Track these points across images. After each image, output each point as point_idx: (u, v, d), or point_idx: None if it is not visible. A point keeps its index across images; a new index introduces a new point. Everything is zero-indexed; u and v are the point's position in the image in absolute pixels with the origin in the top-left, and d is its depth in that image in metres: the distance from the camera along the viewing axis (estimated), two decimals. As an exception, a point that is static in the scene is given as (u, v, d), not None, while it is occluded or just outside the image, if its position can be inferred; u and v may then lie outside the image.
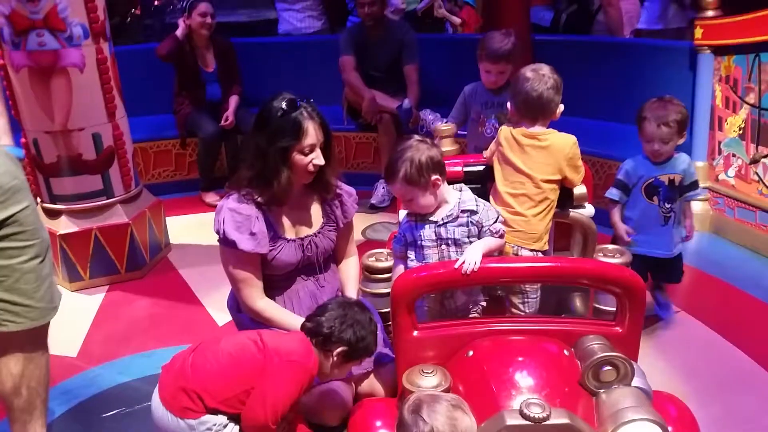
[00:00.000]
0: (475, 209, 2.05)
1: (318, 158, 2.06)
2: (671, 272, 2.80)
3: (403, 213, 2.09)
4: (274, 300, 2.16)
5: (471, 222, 2.04)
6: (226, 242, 2.03)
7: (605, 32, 4.93)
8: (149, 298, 3.36)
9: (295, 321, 2.13)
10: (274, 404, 1.78)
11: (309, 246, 2.17)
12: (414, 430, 1.51)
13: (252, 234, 2.03)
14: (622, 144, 4.05)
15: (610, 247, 2.40)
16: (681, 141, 2.65)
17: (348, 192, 2.27)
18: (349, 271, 2.36)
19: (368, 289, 2.61)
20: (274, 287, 2.17)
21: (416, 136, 2.03)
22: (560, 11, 5.15)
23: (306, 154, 2.04)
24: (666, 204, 2.64)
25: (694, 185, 2.71)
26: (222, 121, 4.51)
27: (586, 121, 4.46)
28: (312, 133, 2.03)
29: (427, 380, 1.80)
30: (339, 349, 1.90)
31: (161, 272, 3.65)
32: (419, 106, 4.45)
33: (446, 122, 3.25)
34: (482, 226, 2.04)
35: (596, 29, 5.00)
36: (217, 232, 2.07)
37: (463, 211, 2.04)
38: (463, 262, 1.87)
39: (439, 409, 1.52)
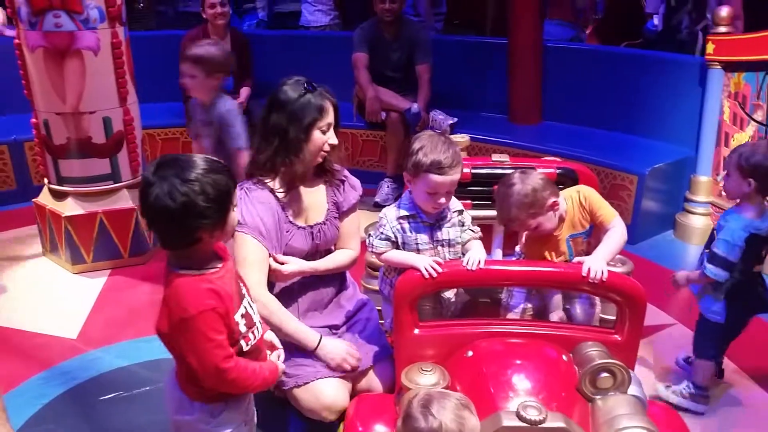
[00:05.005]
0: (461, 208, 2.13)
1: (333, 138, 2.11)
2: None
3: (391, 214, 2.09)
4: (284, 286, 2.18)
5: (460, 222, 2.10)
6: (241, 227, 2.05)
7: None
8: (151, 283, 3.36)
9: (293, 323, 2.12)
10: (202, 366, 1.57)
11: (318, 234, 2.19)
12: (423, 425, 1.52)
13: (267, 218, 2.07)
14: (629, 155, 4.07)
15: (617, 256, 2.39)
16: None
17: (352, 181, 2.30)
18: (337, 254, 2.30)
19: (370, 286, 2.63)
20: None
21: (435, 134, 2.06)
22: (674, 10, 4.78)
23: (324, 132, 2.09)
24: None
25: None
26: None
27: (596, 130, 4.48)
28: (330, 113, 2.10)
29: (425, 378, 1.81)
30: (201, 233, 1.53)
31: (164, 259, 3.66)
32: (430, 107, 4.48)
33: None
34: (463, 225, 2.11)
35: None
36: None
37: (453, 212, 2.11)
38: (468, 260, 1.90)
39: (448, 406, 1.54)
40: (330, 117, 2.10)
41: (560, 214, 2.12)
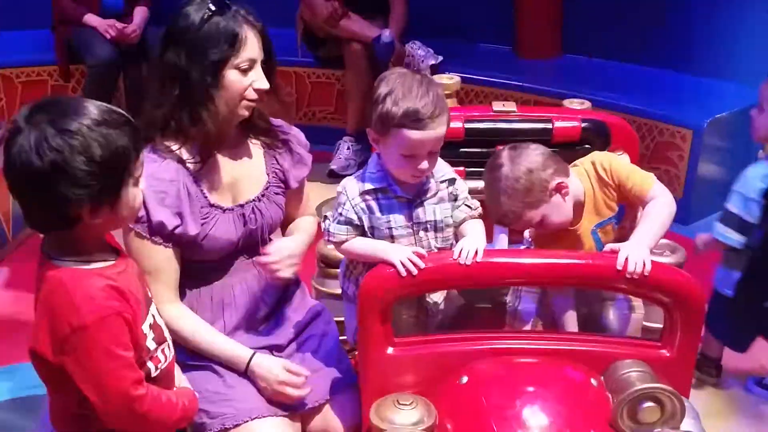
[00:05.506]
0: (453, 176, 2.12)
1: (260, 80, 2.07)
2: None
3: (353, 187, 2.08)
4: (200, 295, 2.18)
5: (451, 195, 2.10)
6: (139, 220, 2.02)
7: None
8: (11, 290, 3.35)
9: (215, 340, 2.12)
10: (104, 396, 1.57)
11: (252, 215, 2.18)
12: None
13: (167, 203, 2.05)
14: (680, 101, 4.16)
15: (662, 241, 2.38)
16: None
17: (296, 136, 2.29)
18: (300, 223, 2.34)
19: (324, 288, 2.65)
20: (202, 277, 2.18)
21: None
22: None
23: (244, 72, 2.05)
24: None
25: None
26: (121, 33, 4.48)
27: (635, 67, 4.58)
28: (252, 45, 2.04)
29: (403, 415, 1.83)
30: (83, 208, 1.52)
31: (29, 255, 3.60)
32: (405, 36, 4.47)
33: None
34: (457, 198, 2.11)
35: None
36: None
37: (441, 182, 2.10)
38: (461, 250, 1.92)
39: None
40: (252, 49, 2.05)
41: (577, 199, 2.15)
